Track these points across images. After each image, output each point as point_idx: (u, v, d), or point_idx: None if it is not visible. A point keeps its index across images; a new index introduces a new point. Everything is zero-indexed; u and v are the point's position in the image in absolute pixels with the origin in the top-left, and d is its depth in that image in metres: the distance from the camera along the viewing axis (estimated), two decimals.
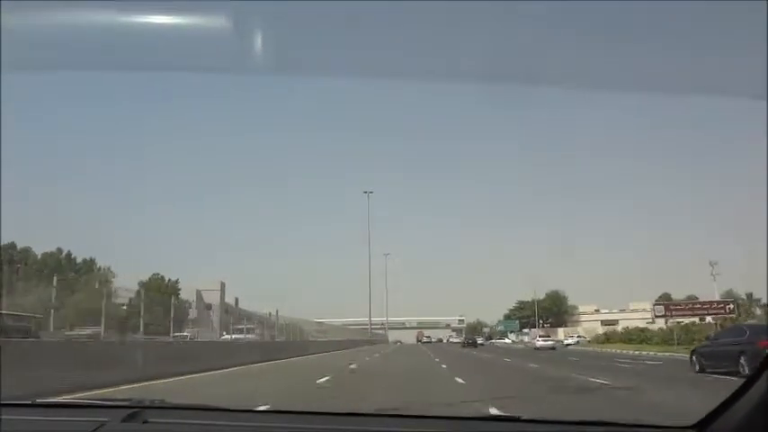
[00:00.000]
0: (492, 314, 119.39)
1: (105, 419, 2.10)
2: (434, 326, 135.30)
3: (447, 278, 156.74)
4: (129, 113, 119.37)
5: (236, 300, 73.05)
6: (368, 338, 76.17)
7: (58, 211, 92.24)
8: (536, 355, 35.52)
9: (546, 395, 11.71)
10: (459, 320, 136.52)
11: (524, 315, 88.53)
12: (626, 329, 52.40)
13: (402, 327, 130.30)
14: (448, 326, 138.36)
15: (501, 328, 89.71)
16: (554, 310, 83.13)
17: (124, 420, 2.11)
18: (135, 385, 12.28)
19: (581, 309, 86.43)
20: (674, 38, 2.46)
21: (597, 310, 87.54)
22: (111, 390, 10.90)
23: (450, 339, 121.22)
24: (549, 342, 53.60)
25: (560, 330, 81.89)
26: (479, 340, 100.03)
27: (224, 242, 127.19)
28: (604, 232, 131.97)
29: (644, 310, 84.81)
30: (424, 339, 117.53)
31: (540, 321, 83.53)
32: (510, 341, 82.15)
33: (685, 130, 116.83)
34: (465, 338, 77.76)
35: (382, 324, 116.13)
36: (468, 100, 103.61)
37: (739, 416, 1.71)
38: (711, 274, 57.84)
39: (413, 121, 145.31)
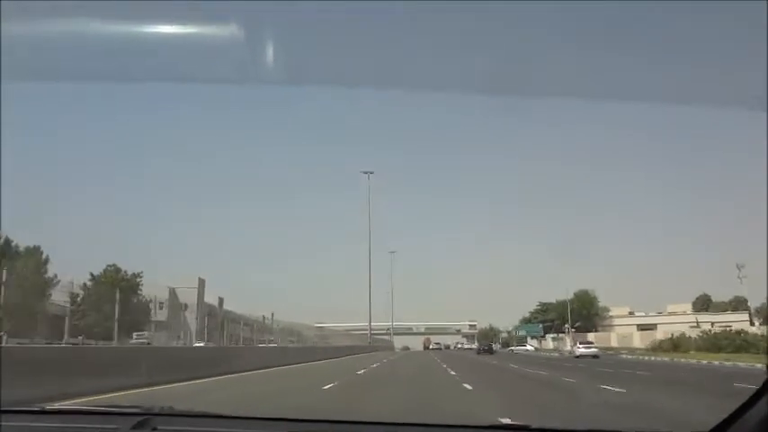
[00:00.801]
0: (505, 319, 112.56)
1: (115, 426, 2.13)
2: (443, 331, 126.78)
3: (456, 281, 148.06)
4: (131, 119, 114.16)
5: (221, 300, 63.83)
6: (368, 344, 65.92)
7: (56, 209, 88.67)
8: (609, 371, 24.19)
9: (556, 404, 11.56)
10: (471, 325, 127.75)
11: (548, 318, 78.28)
12: (706, 333, 42.18)
13: (409, 332, 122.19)
14: (458, 331, 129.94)
15: (522, 332, 79.30)
16: (583, 313, 72.62)
17: (134, 428, 2.10)
18: None
19: (613, 311, 75.98)
20: (680, 49, 2.64)
21: (631, 313, 77.28)
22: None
23: (459, 346, 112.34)
24: (592, 349, 43.89)
25: (590, 335, 71.76)
26: (496, 347, 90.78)
27: (217, 243, 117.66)
28: (634, 231, 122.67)
29: (684, 312, 75.09)
30: (433, 346, 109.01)
31: (567, 325, 73.37)
32: (532, 348, 71.99)
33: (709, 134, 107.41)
34: (480, 345, 71.21)
35: (387, 329, 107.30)
36: (478, 100, 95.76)
37: (751, 424, 1.70)
38: (738, 278, 53.35)
39: (417, 123, 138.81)
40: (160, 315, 54.96)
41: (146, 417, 2.19)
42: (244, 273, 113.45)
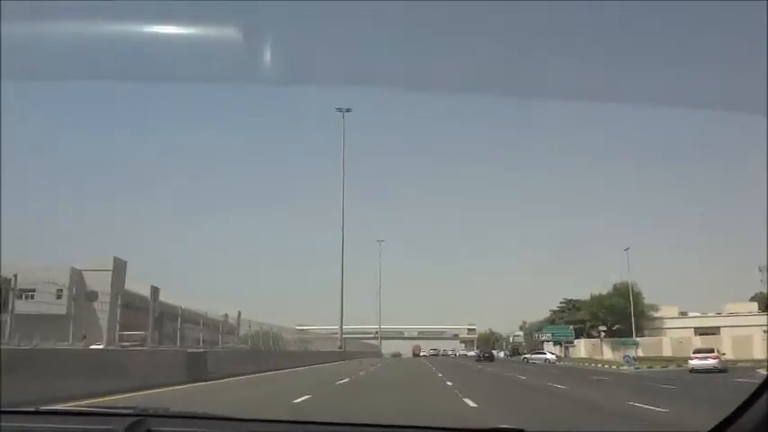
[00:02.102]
0: (511, 323, 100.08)
1: (109, 428, 2.12)
2: (439, 336, 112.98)
3: (454, 281, 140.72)
4: (125, 118, 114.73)
5: (154, 290, 47.78)
6: (339, 350, 49.73)
7: None
8: None
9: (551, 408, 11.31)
10: (470, 329, 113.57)
11: (576, 319, 62.71)
12: None
13: (400, 336, 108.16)
14: (456, 336, 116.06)
15: (546, 336, 62.69)
16: (626, 312, 57.07)
17: (128, 429, 2.09)
18: None
19: (662, 311, 60.31)
20: (682, 54, 2.74)
21: (683, 314, 62.05)
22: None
23: (450, 352, 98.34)
24: (710, 361, 28.45)
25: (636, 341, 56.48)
26: (500, 354, 76.61)
27: (195, 242, 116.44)
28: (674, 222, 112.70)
29: (749, 313, 60.23)
30: (430, 352, 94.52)
31: (604, 329, 58.11)
32: (553, 356, 55.67)
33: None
34: (480, 351, 63.66)
35: (376, 333, 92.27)
36: (482, 100, 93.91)
37: (752, 422, 1.73)
38: (761, 281, 49.82)
39: (414, 123, 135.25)
40: (56, 306, 38.81)
41: (140, 418, 2.18)
42: (225, 272, 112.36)
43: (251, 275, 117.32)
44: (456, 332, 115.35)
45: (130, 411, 2.34)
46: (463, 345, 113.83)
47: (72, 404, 4.03)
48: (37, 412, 2.38)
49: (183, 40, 2.48)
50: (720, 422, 1.84)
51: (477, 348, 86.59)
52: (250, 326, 42.97)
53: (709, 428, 1.85)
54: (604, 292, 60.50)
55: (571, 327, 60.05)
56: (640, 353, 53.85)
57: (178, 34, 2.49)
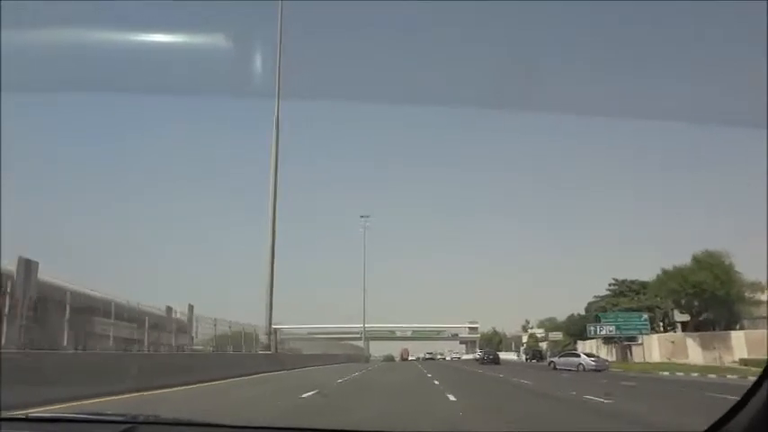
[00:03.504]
0: (510, 323, 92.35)
1: None
2: (435, 336, 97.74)
3: (453, 277, 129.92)
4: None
5: (25, 263, 29.50)
6: (267, 354, 30.92)
7: None
8: None
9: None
10: (471, 328, 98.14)
11: (641, 306, 45.52)
12: None
13: (391, 337, 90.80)
14: (455, 336, 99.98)
15: (608, 329, 43.39)
16: (719, 293, 39.87)
17: None
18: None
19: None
20: (681, 68, 4.92)
21: None
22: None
23: (436, 356, 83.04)
24: None
25: (738, 336, 39.59)
26: (513, 357, 68.04)
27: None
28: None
29: None
30: (425, 356, 78.63)
31: (686, 318, 41.05)
32: (591, 361, 36.37)
33: None
34: (484, 353, 56.22)
35: (361, 333, 76.00)
36: (479, 110, 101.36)
37: (747, 421, 1.73)
38: None
39: (416, 125, 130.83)
40: None
41: (131, 425, 2.17)
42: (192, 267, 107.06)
43: (218, 271, 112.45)
44: (455, 331, 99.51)
45: (121, 418, 2.33)
46: (464, 346, 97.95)
47: (64, 407, 4.18)
48: (27, 419, 2.39)
49: (176, 52, 2.86)
50: (716, 422, 1.84)
51: (480, 349, 71.75)
52: (197, 324, 29.75)
53: (704, 428, 1.86)
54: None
55: (645, 315, 42.53)
56: (745, 354, 37.12)
57: (167, 43, 2.89)
